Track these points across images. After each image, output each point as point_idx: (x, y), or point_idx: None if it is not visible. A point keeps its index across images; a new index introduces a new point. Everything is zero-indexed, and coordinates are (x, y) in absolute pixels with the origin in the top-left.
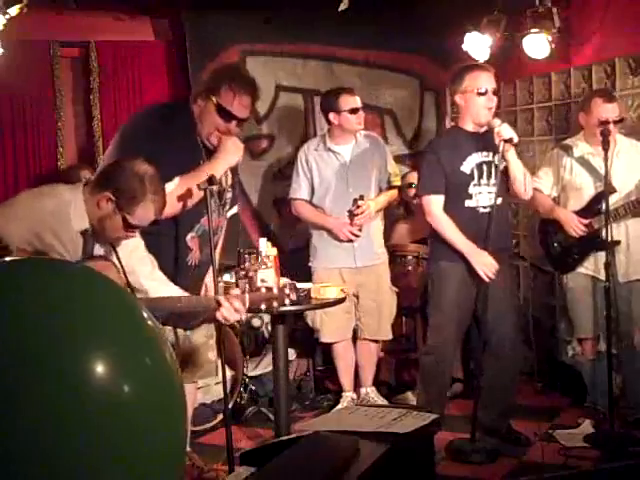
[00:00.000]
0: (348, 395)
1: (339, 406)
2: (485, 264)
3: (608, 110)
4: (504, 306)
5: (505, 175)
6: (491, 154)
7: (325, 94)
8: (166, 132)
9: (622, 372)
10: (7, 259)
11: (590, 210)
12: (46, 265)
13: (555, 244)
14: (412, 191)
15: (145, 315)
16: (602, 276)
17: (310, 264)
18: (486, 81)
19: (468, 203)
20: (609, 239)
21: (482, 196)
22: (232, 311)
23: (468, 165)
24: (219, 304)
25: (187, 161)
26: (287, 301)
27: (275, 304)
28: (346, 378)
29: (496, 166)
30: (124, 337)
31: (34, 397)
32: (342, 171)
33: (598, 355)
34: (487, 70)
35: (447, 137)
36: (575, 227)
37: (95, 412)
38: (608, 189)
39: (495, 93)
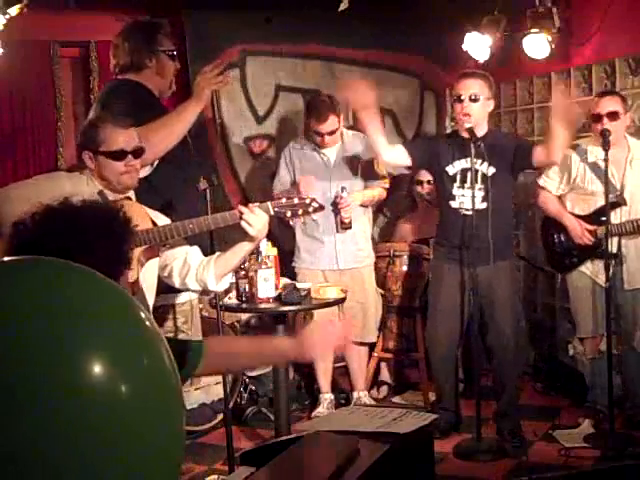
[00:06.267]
0: (327, 397)
1: (318, 408)
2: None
3: (600, 104)
4: (504, 315)
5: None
6: (479, 161)
7: (308, 102)
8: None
9: (623, 373)
10: (5, 259)
11: (597, 218)
12: (42, 265)
13: (557, 243)
14: (423, 188)
15: (143, 315)
16: (601, 281)
17: (293, 264)
18: (464, 87)
19: (452, 204)
20: (610, 250)
21: (466, 199)
22: (253, 216)
23: (453, 168)
24: (241, 213)
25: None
26: (311, 209)
27: (300, 211)
28: (324, 380)
29: (483, 174)
30: (121, 338)
31: (29, 398)
32: (325, 171)
33: (601, 355)
34: (471, 77)
35: (446, 138)
36: (582, 236)
37: (91, 413)
38: (619, 199)
39: (474, 100)
